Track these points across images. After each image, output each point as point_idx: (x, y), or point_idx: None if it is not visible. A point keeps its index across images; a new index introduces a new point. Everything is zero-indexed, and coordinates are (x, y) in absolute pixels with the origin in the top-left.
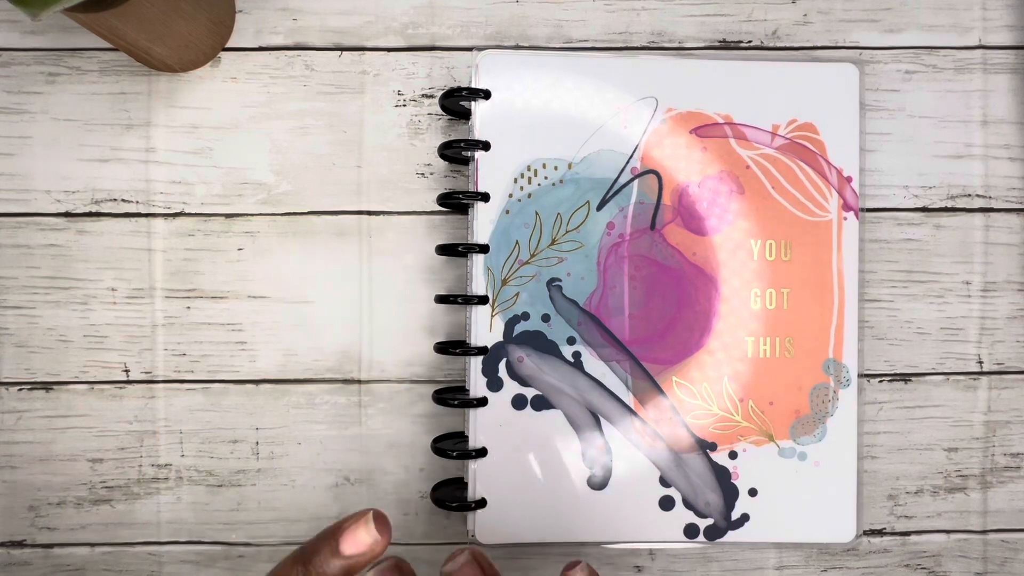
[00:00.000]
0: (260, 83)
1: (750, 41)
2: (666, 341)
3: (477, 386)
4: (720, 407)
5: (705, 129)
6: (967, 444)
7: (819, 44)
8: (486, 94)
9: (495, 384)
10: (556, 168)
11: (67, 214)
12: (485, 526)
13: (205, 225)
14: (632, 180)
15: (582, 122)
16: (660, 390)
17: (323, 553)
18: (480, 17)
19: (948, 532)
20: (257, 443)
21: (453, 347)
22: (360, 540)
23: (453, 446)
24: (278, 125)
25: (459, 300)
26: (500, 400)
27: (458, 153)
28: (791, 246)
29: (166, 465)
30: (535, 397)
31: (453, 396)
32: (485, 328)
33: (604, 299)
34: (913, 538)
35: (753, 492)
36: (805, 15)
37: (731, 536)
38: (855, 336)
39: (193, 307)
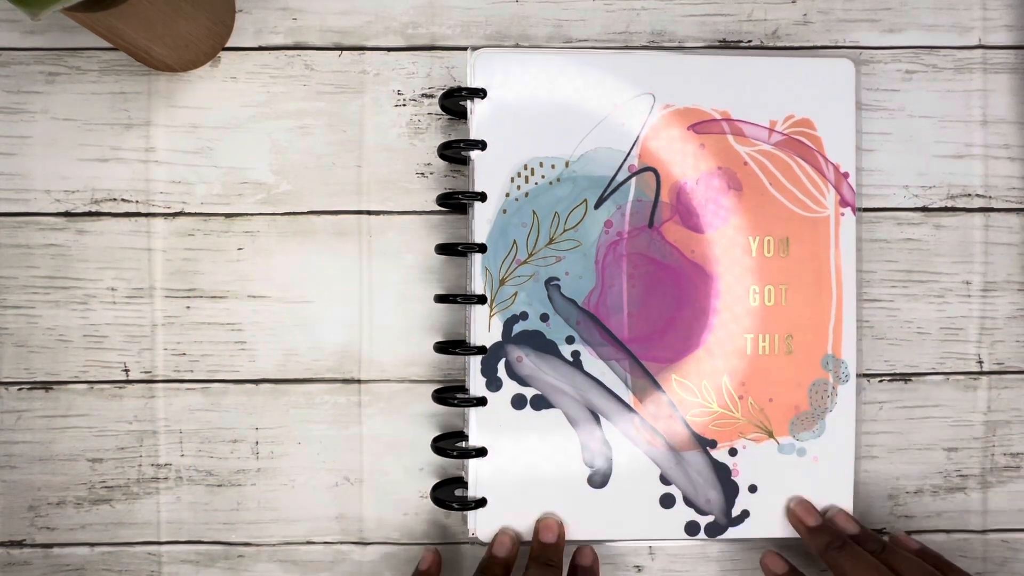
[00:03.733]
0: (260, 83)
1: (750, 41)
2: (665, 339)
3: (476, 386)
4: (719, 404)
5: (702, 125)
6: (967, 444)
7: (819, 44)
8: (482, 93)
9: (494, 384)
10: (553, 167)
11: (67, 214)
12: (485, 525)
13: (205, 225)
14: (630, 178)
15: (578, 119)
16: (659, 388)
17: None
18: (480, 17)
19: (948, 532)
20: (257, 443)
21: (452, 347)
22: None
23: (453, 446)
24: (278, 125)
25: (458, 300)
26: (499, 400)
27: (457, 153)
28: (789, 242)
29: (166, 465)
30: (534, 396)
31: (453, 395)
32: (484, 328)
33: (603, 298)
34: (913, 537)
35: (753, 488)
36: (805, 15)
37: (731, 533)
38: (854, 332)
39: (193, 307)
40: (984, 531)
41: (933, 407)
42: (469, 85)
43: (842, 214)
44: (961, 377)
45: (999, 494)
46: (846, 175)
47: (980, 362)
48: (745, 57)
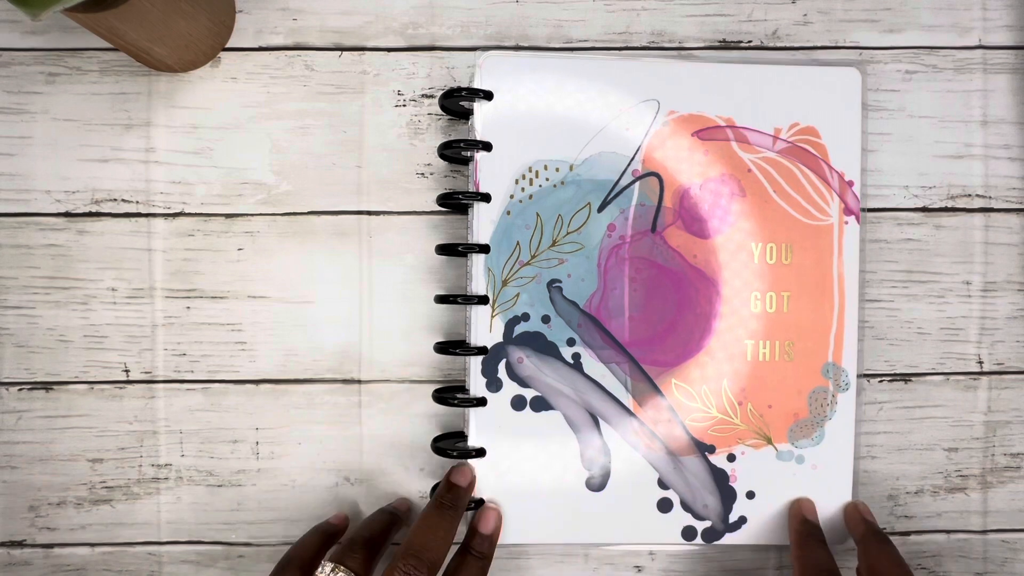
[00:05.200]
0: (260, 83)
1: (750, 41)
2: (666, 343)
3: (477, 386)
4: (719, 410)
5: (707, 132)
6: (967, 444)
7: (819, 44)
8: (487, 95)
9: (494, 384)
10: (558, 169)
11: (67, 214)
12: None
13: (205, 225)
14: (633, 182)
15: (584, 124)
16: (659, 392)
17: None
18: (480, 17)
19: (948, 532)
20: (257, 443)
21: (453, 347)
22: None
23: (453, 446)
24: (278, 125)
25: (459, 300)
26: (499, 400)
27: (458, 153)
28: (792, 249)
29: (166, 465)
30: (534, 398)
31: (453, 395)
32: (485, 328)
33: (604, 301)
34: (913, 538)
35: (751, 495)
36: (805, 15)
37: (728, 539)
38: (855, 340)
39: (193, 307)
40: (984, 531)
41: (933, 407)
42: (476, 87)
43: (846, 222)
44: (961, 377)
45: (999, 494)
46: (851, 183)
47: (980, 362)
48: (751, 65)
